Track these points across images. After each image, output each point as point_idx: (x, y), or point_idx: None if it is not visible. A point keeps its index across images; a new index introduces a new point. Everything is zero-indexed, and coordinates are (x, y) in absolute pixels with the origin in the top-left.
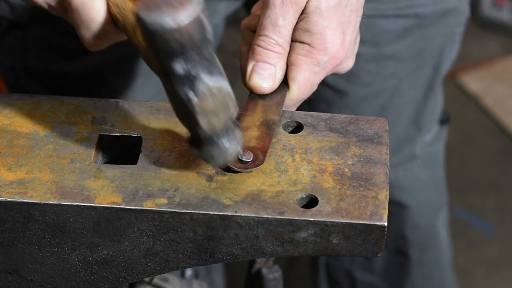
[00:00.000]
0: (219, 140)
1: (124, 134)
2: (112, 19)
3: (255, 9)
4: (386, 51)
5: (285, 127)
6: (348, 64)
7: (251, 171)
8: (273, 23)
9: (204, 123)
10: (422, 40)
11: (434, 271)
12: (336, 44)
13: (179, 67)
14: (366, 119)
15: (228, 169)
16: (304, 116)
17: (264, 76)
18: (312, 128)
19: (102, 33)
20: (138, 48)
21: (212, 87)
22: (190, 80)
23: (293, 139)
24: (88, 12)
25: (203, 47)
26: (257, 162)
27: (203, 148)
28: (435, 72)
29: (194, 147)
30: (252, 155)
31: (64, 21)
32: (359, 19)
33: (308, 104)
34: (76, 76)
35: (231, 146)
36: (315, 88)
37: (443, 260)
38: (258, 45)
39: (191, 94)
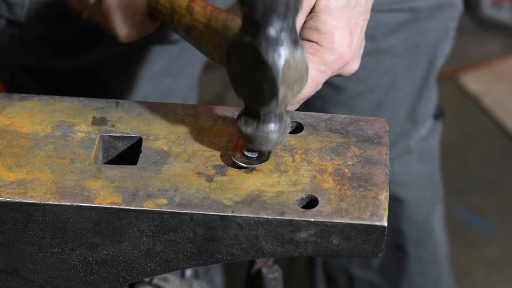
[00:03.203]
0: (278, 118)
1: (124, 134)
2: (148, 10)
3: None
4: (381, 45)
5: None
6: (353, 66)
7: (255, 167)
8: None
9: (282, 92)
10: (417, 35)
11: (431, 267)
12: (343, 44)
13: (273, 29)
14: (366, 120)
15: (232, 165)
16: (304, 117)
17: None
18: (312, 128)
19: (139, 23)
20: (188, 29)
21: (296, 57)
22: (278, 45)
23: (293, 139)
24: (131, 2)
25: (296, 15)
26: (262, 158)
27: (257, 126)
28: (430, 67)
29: (246, 124)
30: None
31: (62, 20)
32: (366, 22)
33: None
34: (72, 74)
35: (282, 129)
36: (319, 87)
37: (440, 256)
38: None
39: (278, 58)
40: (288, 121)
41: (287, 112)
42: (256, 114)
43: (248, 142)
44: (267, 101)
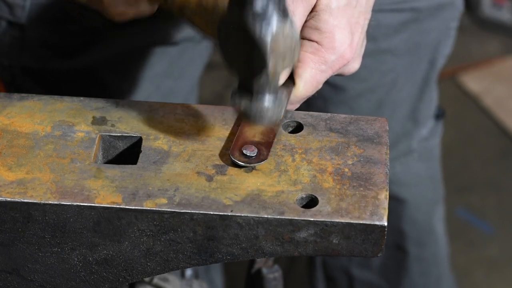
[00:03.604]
0: (273, 94)
1: (124, 134)
2: None
3: None
4: (383, 45)
5: (285, 127)
6: (354, 65)
7: (255, 166)
8: None
9: (271, 64)
10: (418, 35)
11: (431, 267)
12: (344, 44)
13: (259, 2)
14: (366, 119)
15: (232, 164)
16: (304, 116)
17: None
18: (312, 128)
19: (134, 1)
20: (182, 7)
21: (285, 29)
22: (265, 18)
23: (293, 139)
24: None
25: None
26: (261, 157)
27: (251, 99)
28: (430, 67)
29: (240, 98)
30: (256, 150)
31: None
32: (367, 21)
33: (305, 101)
34: (72, 75)
35: (276, 106)
36: (320, 86)
37: (441, 256)
38: None
39: (265, 32)
40: (283, 98)
41: (283, 89)
42: (250, 88)
43: (243, 117)
44: (257, 73)
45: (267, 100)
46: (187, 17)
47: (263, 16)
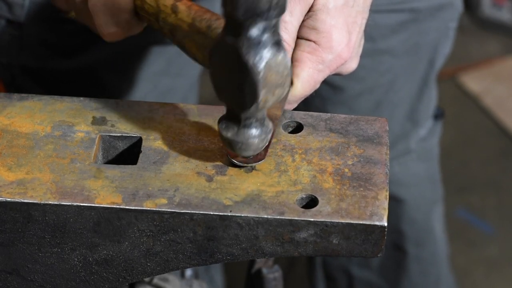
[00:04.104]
0: (259, 123)
1: (124, 134)
2: (135, 9)
3: None
4: (381, 46)
5: (285, 127)
6: (351, 65)
7: (254, 165)
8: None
9: (262, 95)
10: (417, 35)
11: (430, 267)
12: (341, 43)
13: (255, 30)
14: (366, 119)
15: (230, 164)
16: (304, 116)
17: None
18: (312, 128)
19: (125, 23)
20: (173, 28)
21: (278, 59)
22: (260, 47)
23: (293, 139)
24: (117, 1)
25: (279, 15)
26: (259, 157)
27: (237, 130)
28: (429, 67)
29: (226, 128)
30: None
31: (61, 20)
32: (364, 21)
33: (303, 100)
34: (71, 74)
35: (263, 135)
36: (318, 86)
37: (440, 256)
38: None
39: (258, 62)
40: (270, 126)
41: (274, 117)
42: (238, 118)
43: (228, 147)
44: (247, 105)
45: (254, 132)
46: (177, 39)
47: (258, 44)
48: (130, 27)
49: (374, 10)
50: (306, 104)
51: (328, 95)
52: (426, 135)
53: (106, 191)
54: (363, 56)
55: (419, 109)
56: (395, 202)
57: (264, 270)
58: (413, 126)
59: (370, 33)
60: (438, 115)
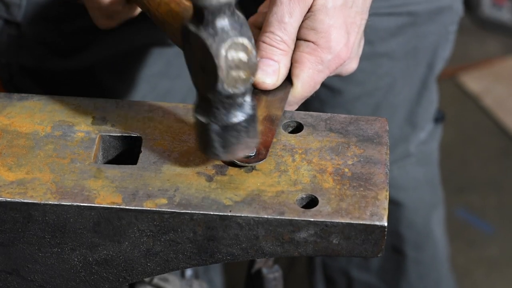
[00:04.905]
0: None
1: (124, 134)
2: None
3: (262, 8)
4: (379, 49)
5: (285, 127)
6: (351, 65)
7: (254, 165)
8: (279, 20)
9: (225, 79)
10: (415, 39)
11: (430, 270)
12: (340, 43)
13: (217, 15)
14: (366, 119)
15: (230, 163)
16: (304, 116)
17: (268, 72)
18: (312, 128)
19: (112, 13)
20: (157, 15)
21: (239, 42)
22: (222, 31)
23: (293, 139)
24: None
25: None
26: (259, 156)
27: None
28: (429, 71)
29: (198, 112)
30: (255, 149)
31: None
32: (364, 21)
33: (302, 103)
34: (70, 74)
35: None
36: (318, 86)
37: (440, 259)
38: (263, 42)
39: (219, 46)
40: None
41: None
42: (208, 102)
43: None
44: (212, 88)
45: (224, 115)
46: (158, 22)
47: (220, 28)
48: (120, 16)
49: (372, 14)
50: (305, 107)
51: (327, 98)
52: (426, 138)
53: (106, 191)
54: (362, 59)
55: (418, 112)
56: (394, 205)
57: (264, 270)
58: (412, 129)
59: (369, 37)
60: (439, 118)
